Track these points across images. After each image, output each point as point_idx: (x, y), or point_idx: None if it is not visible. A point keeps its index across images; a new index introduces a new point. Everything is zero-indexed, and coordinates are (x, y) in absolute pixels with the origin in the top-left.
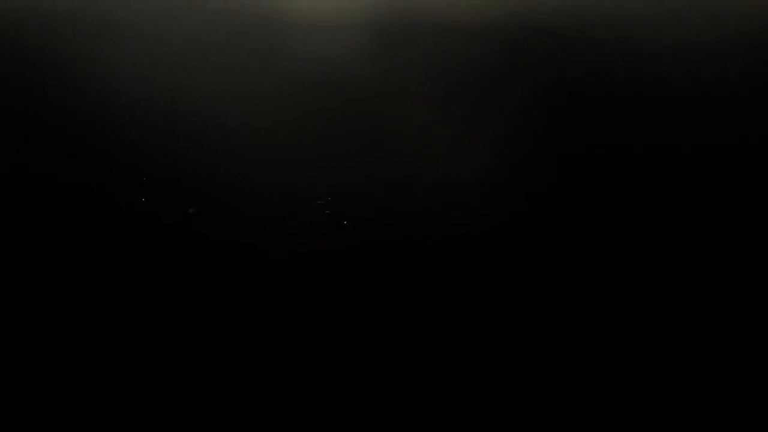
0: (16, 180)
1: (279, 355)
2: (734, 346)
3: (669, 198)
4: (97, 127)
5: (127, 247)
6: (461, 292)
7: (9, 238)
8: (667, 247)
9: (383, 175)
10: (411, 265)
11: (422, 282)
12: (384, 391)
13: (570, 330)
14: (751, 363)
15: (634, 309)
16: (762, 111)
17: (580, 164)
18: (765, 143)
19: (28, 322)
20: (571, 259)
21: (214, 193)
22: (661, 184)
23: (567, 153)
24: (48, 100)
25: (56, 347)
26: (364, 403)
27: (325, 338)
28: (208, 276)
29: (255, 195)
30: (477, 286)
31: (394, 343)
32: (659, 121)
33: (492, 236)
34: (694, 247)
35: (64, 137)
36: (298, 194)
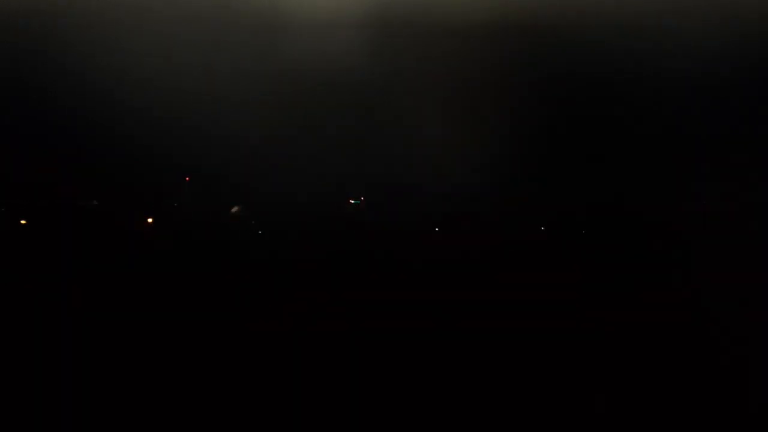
0: (17, 181)
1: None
2: (734, 348)
3: (669, 198)
4: (96, 128)
5: (131, 252)
6: (461, 291)
7: (10, 240)
8: (667, 247)
9: (383, 174)
10: (411, 264)
11: (422, 281)
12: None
13: (569, 330)
14: (751, 366)
15: (634, 311)
16: (762, 111)
17: (581, 164)
18: (765, 143)
19: (30, 324)
20: (570, 258)
21: (213, 193)
22: (662, 184)
23: (567, 153)
24: (47, 101)
25: (59, 354)
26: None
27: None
28: (216, 279)
29: (254, 195)
30: (476, 285)
31: (398, 340)
32: (660, 121)
33: (492, 236)
34: (693, 248)
35: (64, 137)
36: (297, 194)
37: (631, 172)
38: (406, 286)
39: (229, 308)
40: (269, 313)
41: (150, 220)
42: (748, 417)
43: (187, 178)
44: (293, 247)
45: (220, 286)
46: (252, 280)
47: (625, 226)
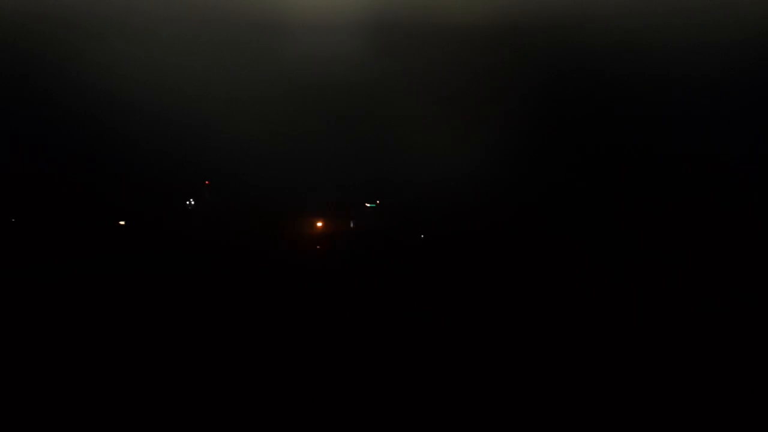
0: (16, 180)
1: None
2: (733, 348)
3: (668, 199)
4: (96, 128)
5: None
6: (459, 291)
7: (9, 238)
8: (666, 247)
9: (383, 175)
10: (410, 263)
11: (420, 279)
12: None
13: (567, 331)
14: (750, 364)
15: (632, 312)
16: (762, 111)
17: (581, 164)
18: (765, 143)
19: (29, 322)
20: (570, 258)
21: (213, 192)
22: (661, 185)
23: (567, 153)
24: (48, 100)
25: (57, 349)
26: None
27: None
28: (216, 277)
29: (252, 196)
30: (475, 285)
31: (395, 338)
32: (659, 121)
33: (492, 235)
34: (692, 248)
35: (64, 137)
36: (296, 194)
37: (631, 171)
38: (406, 286)
39: (230, 308)
40: (269, 310)
41: (320, 224)
42: (747, 417)
43: (207, 182)
44: (297, 247)
45: (222, 286)
46: (253, 280)
47: (624, 225)
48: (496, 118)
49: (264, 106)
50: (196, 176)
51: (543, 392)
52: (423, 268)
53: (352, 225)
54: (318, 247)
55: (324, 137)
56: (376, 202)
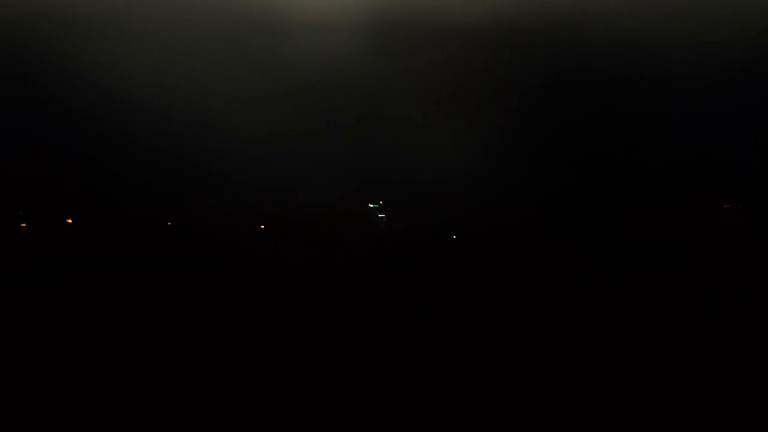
0: (16, 180)
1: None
2: (733, 350)
3: (668, 199)
4: (96, 128)
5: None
6: (460, 292)
7: (9, 237)
8: (666, 247)
9: (383, 176)
10: (410, 265)
11: (422, 281)
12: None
13: (568, 332)
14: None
15: (632, 312)
16: (762, 111)
17: (581, 165)
18: (765, 143)
19: (28, 323)
20: (570, 261)
21: (213, 194)
22: (662, 186)
23: (567, 153)
24: (48, 100)
25: (57, 351)
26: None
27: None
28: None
29: (252, 196)
30: (476, 286)
31: (395, 341)
32: (659, 121)
33: (492, 237)
34: (693, 249)
35: (64, 137)
36: (297, 194)
37: (631, 171)
38: (406, 285)
39: (232, 308)
40: (271, 310)
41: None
42: (747, 417)
43: (211, 183)
44: (301, 249)
45: (223, 287)
46: (255, 281)
47: (624, 225)
48: (496, 118)
49: (264, 106)
50: (196, 176)
51: (546, 392)
52: (424, 268)
53: (354, 225)
54: (320, 247)
55: (324, 137)
56: (379, 203)
